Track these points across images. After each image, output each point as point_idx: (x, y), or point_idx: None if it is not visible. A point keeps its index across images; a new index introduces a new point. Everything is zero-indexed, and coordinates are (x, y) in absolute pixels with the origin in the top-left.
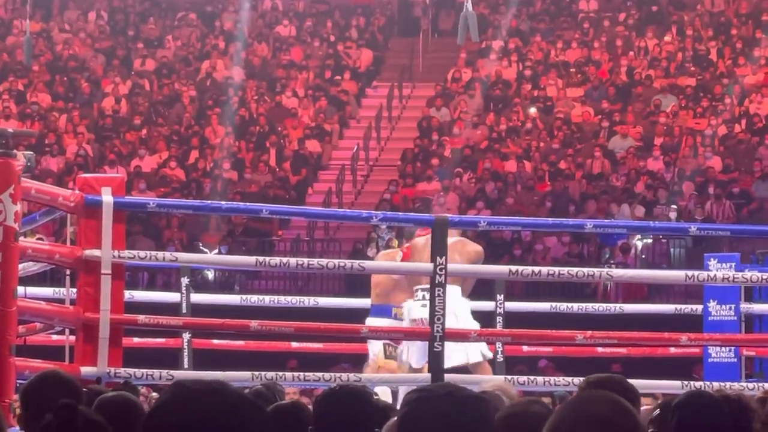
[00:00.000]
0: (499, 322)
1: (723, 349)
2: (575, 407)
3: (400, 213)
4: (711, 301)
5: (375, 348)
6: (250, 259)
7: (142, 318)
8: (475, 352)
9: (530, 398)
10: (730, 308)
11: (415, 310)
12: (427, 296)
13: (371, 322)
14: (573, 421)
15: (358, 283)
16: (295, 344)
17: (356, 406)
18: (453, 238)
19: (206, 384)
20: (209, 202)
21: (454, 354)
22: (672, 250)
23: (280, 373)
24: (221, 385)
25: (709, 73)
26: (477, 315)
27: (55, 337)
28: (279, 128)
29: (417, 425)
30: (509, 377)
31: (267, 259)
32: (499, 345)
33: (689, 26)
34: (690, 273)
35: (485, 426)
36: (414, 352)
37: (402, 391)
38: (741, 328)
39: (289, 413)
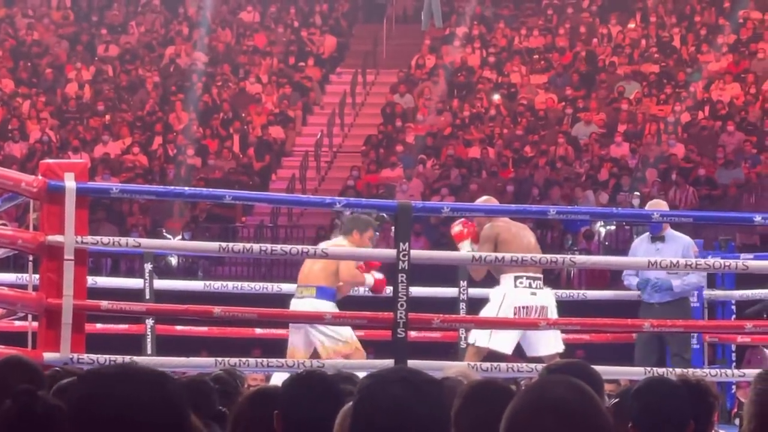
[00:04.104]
0: (462, 308)
1: None
2: (534, 393)
3: (363, 199)
4: None
5: (346, 333)
6: (214, 245)
7: (105, 304)
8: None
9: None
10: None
11: (520, 297)
12: (534, 285)
13: (316, 303)
14: (532, 407)
15: None
16: (258, 330)
17: (324, 391)
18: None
19: (114, 368)
20: (172, 188)
21: (553, 342)
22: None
23: (244, 359)
24: (130, 369)
25: (673, 59)
26: (440, 301)
27: (17, 323)
28: (243, 114)
29: (371, 410)
30: (472, 363)
31: (230, 245)
32: (462, 331)
33: (653, 13)
34: (653, 259)
35: (440, 410)
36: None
37: None
38: (704, 314)
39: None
